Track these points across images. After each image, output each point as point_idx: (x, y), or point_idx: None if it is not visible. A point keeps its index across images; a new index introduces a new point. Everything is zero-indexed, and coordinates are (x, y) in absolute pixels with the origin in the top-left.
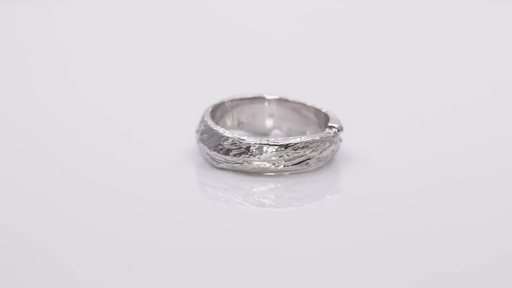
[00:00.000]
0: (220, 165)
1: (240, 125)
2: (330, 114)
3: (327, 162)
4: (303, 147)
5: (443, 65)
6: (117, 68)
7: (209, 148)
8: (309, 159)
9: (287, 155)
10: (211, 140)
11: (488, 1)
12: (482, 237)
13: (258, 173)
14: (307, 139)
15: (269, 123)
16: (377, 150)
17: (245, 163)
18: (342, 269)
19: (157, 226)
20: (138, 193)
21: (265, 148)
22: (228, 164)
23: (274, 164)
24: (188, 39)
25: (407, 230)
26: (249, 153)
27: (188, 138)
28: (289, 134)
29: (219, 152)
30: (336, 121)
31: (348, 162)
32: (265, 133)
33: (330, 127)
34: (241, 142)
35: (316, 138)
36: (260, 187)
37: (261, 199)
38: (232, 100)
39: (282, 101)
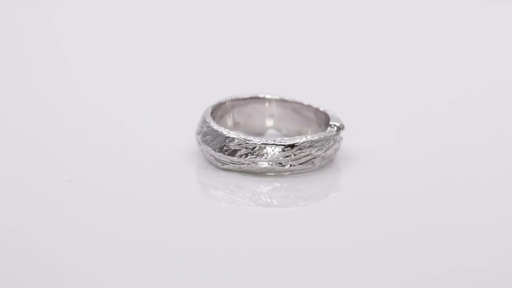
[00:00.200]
0: (225, 166)
1: (236, 125)
2: (330, 113)
3: (329, 161)
4: (309, 146)
5: (444, 63)
6: (117, 69)
7: (214, 150)
8: (314, 158)
9: (294, 155)
10: (215, 141)
11: (489, 1)
12: (482, 237)
13: (264, 173)
14: (313, 138)
15: (269, 123)
16: (377, 149)
17: (252, 164)
18: (354, 267)
19: (165, 227)
20: (143, 194)
21: (271, 148)
22: (234, 165)
23: (281, 164)
24: (188, 39)
25: (412, 229)
26: (255, 154)
27: (188, 139)
28: (287, 134)
29: (224, 153)
30: (337, 119)
31: (349, 161)
32: (260, 133)
33: (332, 125)
34: (247, 143)
35: (321, 137)
36: (266, 187)
37: (268, 199)
38: (232, 100)
39: (282, 101)
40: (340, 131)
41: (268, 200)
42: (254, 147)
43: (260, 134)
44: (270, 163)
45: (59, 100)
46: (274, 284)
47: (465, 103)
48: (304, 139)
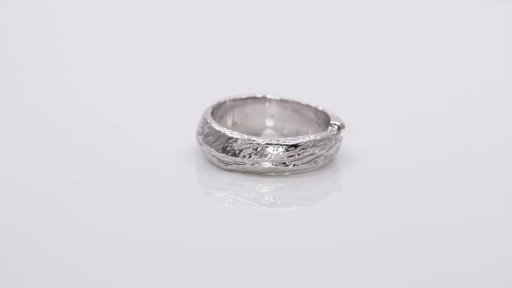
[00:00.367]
0: (228, 167)
1: (234, 126)
2: (329, 112)
3: (330, 161)
4: (312, 146)
5: (444, 63)
6: (117, 69)
7: (217, 150)
8: (317, 157)
9: (298, 155)
10: (217, 142)
11: (488, 1)
12: (483, 236)
13: (268, 173)
14: (316, 138)
15: (268, 123)
16: (376, 148)
17: (256, 164)
18: (363, 265)
19: (171, 228)
20: (145, 195)
21: (275, 148)
22: (238, 165)
23: (285, 163)
24: (188, 39)
25: (414, 228)
26: (259, 154)
27: (187, 138)
28: (287, 134)
29: (227, 154)
30: (337, 118)
31: (349, 160)
32: (258, 133)
33: (332, 124)
34: (251, 143)
35: (324, 136)
36: (269, 187)
37: (271, 199)
38: (232, 100)
39: (282, 101)
40: (341, 130)
41: (272, 200)
42: (258, 147)
43: (257, 134)
44: (274, 163)
45: (59, 101)
46: (284, 283)
47: (465, 102)
48: (307, 138)
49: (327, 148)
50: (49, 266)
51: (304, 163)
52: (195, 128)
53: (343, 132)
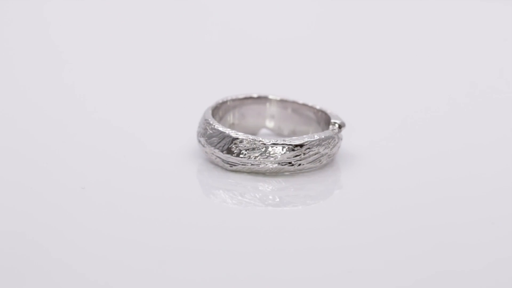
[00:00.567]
0: (233, 168)
1: (231, 126)
2: (328, 111)
3: (331, 160)
4: (317, 145)
5: (444, 63)
6: (117, 69)
7: (222, 151)
8: (322, 156)
9: (303, 154)
10: (222, 143)
11: (489, 1)
12: (484, 236)
13: (274, 173)
14: (321, 137)
15: (268, 123)
16: (374, 147)
17: (262, 164)
18: (371, 264)
19: (177, 229)
20: (147, 195)
21: (281, 148)
22: (244, 165)
23: (290, 163)
24: (187, 40)
25: (423, 226)
26: (266, 154)
27: (187, 138)
28: (287, 134)
29: (232, 155)
30: (337, 117)
31: (349, 159)
32: (253, 133)
33: (333, 123)
34: (255, 143)
35: (328, 135)
36: (272, 187)
37: (277, 199)
38: (233, 100)
39: (281, 101)
40: (342, 128)
41: (277, 200)
42: (264, 148)
43: (253, 134)
44: (280, 163)
45: (58, 102)
46: (292, 283)
47: (465, 102)
48: (312, 137)
49: (331, 146)
50: (49, 266)
51: (309, 162)
52: (195, 128)
53: (341, 132)
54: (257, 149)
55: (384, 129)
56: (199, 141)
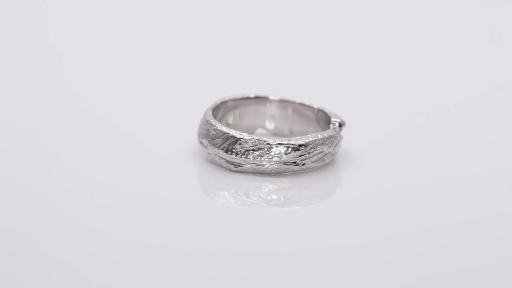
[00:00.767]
0: (239, 168)
1: (229, 126)
2: (326, 110)
3: (333, 159)
4: (321, 144)
5: (445, 63)
6: (117, 69)
7: (226, 152)
8: (325, 155)
9: (308, 153)
10: (226, 143)
11: (488, 1)
12: (484, 236)
13: (279, 173)
14: (324, 136)
15: (268, 123)
16: (373, 147)
17: (267, 164)
18: (381, 262)
19: (183, 230)
20: (149, 196)
21: (285, 148)
22: (249, 166)
23: (295, 162)
24: (187, 40)
25: (419, 228)
26: (271, 154)
27: (187, 138)
28: (284, 134)
29: (237, 155)
30: (336, 116)
31: (349, 158)
32: (250, 133)
33: (333, 122)
34: (260, 143)
35: (330, 134)
36: (276, 187)
37: (281, 199)
38: (233, 100)
39: (281, 101)
40: (342, 127)
41: (282, 199)
42: (268, 148)
43: (251, 133)
44: (286, 162)
45: (58, 102)
46: (300, 281)
47: (465, 102)
48: (316, 137)
49: (334, 145)
50: (49, 267)
51: (313, 162)
52: (195, 129)
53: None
54: (262, 149)
55: (383, 128)
56: (201, 143)
